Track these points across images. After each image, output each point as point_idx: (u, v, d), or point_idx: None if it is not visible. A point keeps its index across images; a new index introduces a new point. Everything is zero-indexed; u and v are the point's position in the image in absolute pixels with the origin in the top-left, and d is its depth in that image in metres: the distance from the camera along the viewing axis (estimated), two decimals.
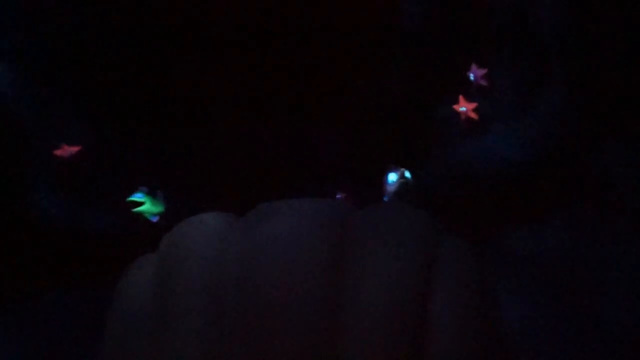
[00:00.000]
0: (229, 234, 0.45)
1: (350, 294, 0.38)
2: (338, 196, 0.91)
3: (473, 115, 0.90)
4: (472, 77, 0.93)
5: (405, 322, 0.37)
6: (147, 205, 0.87)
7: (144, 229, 0.85)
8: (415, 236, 0.42)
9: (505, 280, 0.79)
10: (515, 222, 0.81)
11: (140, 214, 0.85)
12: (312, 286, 0.38)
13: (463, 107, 0.91)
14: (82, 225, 0.82)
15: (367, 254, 0.40)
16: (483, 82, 0.93)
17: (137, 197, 0.86)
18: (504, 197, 0.84)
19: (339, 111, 0.90)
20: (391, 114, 0.88)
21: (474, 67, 0.94)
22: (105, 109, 0.89)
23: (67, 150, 0.86)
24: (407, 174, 0.87)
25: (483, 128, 0.89)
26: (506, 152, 0.88)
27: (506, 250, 0.81)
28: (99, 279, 0.79)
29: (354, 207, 0.45)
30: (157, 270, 0.47)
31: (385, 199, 0.87)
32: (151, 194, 0.89)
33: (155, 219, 0.88)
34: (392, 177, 0.91)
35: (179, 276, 0.44)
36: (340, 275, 0.39)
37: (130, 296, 0.48)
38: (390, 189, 0.89)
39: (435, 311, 0.39)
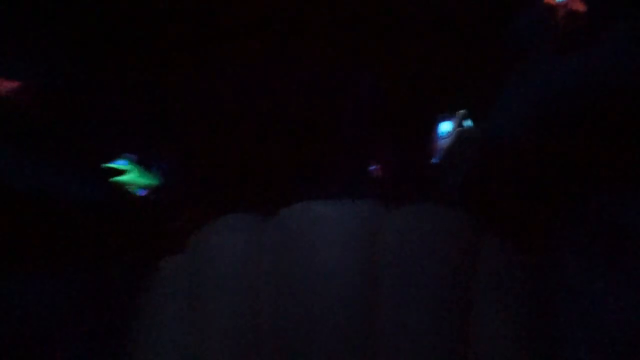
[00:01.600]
0: (261, 236, 0.46)
1: (387, 304, 0.42)
2: (372, 167, 0.67)
3: (579, 6, 0.55)
4: None
5: (444, 336, 0.41)
6: (132, 176, 0.70)
7: (129, 204, 0.69)
8: (453, 243, 0.44)
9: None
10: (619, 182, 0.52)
11: (121, 184, 0.69)
12: (348, 297, 0.41)
13: None
14: (48, 190, 0.67)
15: (402, 264, 0.43)
16: None
17: (119, 164, 0.70)
18: (612, 139, 0.53)
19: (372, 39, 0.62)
20: (440, 35, 0.57)
21: None
22: (72, 40, 0.69)
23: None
24: (468, 121, 0.59)
25: (594, 30, 0.55)
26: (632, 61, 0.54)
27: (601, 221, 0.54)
28: (75, 260, 0.66)
29: (388, 209, 0.45)
30: (188, 270, 0.48)
31: (435, 160, 0.60)
32: (143, 163, 0.71)
33: (142, 193, 0.72)
34: (446, 126, 0.62)
35: (211, 275, 0.47)
36: (376, 284, 0.41)
37: (161, 294, 0.51)
38: (443, 143, 0.62)
39: (478, 322, 0.42)
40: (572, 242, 0.57)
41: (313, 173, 0.67)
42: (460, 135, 0.57)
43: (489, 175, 0.58)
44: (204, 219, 0.69)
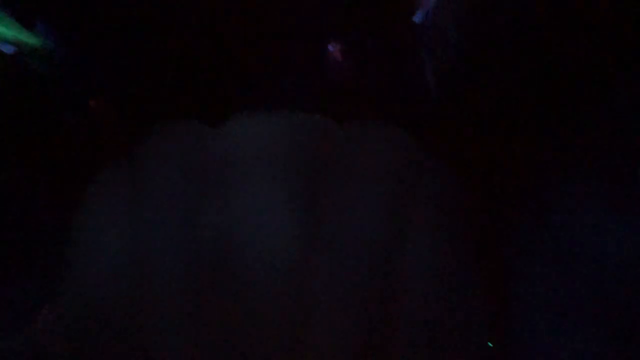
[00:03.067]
0: (203, 149, 0.45)
1: (326, 231, 0.40)
2: (330, 48, 0.53)
3: None
4: None
5: (378, 264, 0.40)
6: None
7: None
8: (395, 169, 0.42)
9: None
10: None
11: None
12: (286, 223, 0.40)
13: None
14: None
15: (343, 189, 0.41)
16: None
17: None
18: None
19: None
20: None
21: None
22: None
23: None
24: None
25: None
26: None
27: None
28: None
29: (333, 125, 0.43)
30: (131, 177, 0.46)
31: (418, 17, 0.47)
32: (17, 16, 0.53)
33: (9, 49, 0.53)
34: None
35: (151, 185, 0.44)
36: (316, 207, 0.40)
37: (97, 201, 0.47)
38: None
39: (413, 249, 0.41)
40: (563, 171, 0.47)
41: (262, 65, 0.54)
42: None
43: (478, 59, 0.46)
44: (113, 115, 0.53)
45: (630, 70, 0.49)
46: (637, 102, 0.47)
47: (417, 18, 0.45)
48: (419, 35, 0.46)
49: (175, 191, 0.44)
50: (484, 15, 0.42)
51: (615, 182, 0.47)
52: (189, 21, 0.54)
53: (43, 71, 0.52)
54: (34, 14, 0.52)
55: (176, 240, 0.43)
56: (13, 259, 0.55)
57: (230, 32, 0.54)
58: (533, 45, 0.45)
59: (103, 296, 0.46)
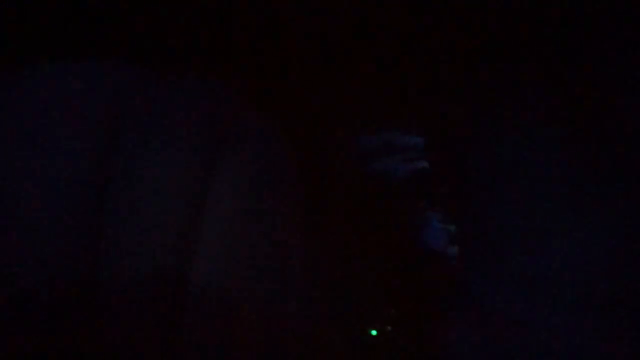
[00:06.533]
0: None
1: (124, 181, 0.38)
2: None
3: None
4: None
5: (179, 218, 0.39)
6: None
7: None
8: (199, 122, 0.40)
9: None
10: None
11: None
12: (78, 174, 0.38)
13: None
14: None
15: (143, 139, 0.39)
16: None
17: None
18: None
19: None
20: None
21: None
22: None
23: None
24: None
25: None
26: None
27: None
28: None
29: (136, 74, 0.41)
30: None
31: None
32: None
33: None
34: None
35: None
36: (113, 160, 0.38)
37: None
38: None
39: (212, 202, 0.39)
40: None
41: None
42: None
43: None
44: None
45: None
46: None
47: None
48: None
49: None
50: None
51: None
52: None
53: None
54: None
55: None
56: None
57: None
58: None
59: None
